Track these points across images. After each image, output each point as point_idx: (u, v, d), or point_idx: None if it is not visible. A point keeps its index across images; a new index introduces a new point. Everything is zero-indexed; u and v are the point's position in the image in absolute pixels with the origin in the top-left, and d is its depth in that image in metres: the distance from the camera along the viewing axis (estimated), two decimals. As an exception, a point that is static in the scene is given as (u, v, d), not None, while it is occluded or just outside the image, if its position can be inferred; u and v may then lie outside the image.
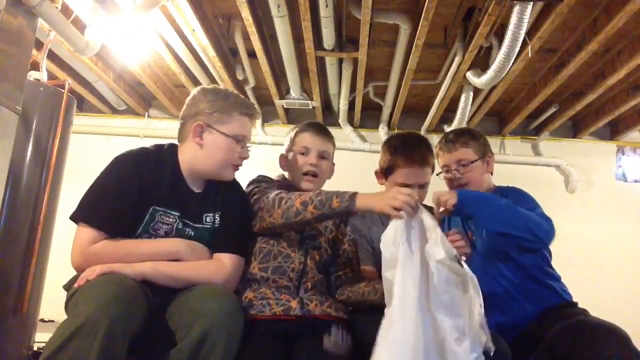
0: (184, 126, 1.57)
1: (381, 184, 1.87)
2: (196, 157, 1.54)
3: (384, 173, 1.85)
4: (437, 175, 1.94)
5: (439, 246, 1.28)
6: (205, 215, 1.55)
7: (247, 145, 1.61)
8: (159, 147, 1.59)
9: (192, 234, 1.52)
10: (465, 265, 1.30)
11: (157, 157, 1.54)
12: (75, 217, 1.43)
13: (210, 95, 1.56)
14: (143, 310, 1.26)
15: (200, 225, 1.54)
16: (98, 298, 1.17)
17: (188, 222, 1.52)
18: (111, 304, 1.15)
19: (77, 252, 1.40)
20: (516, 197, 1.78)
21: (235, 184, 1.65)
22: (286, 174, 1.84)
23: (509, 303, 1.75)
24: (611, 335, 1.39)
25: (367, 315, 1.40)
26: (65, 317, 1.22)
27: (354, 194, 1.41)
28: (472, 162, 1.86)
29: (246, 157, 1.60)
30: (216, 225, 1.56)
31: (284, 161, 1.83)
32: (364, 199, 1.40)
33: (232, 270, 1.49)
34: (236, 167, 1.60)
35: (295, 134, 1.81)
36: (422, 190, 1.79)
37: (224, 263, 1.49)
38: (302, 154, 1.76)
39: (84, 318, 1.12)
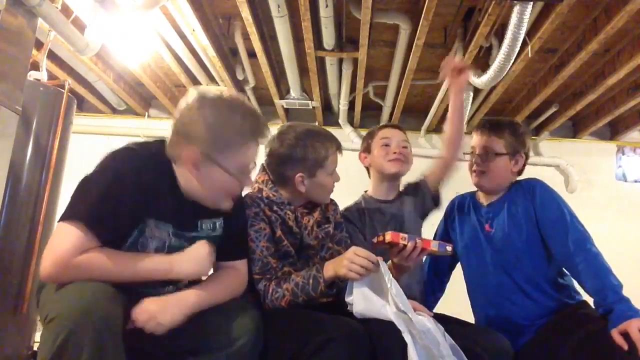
0: (175, 144, 1.27)
1: (366, 165, 1.94)
2: (192, 187, 1.29)
3: (366, 150, 1.93)
4: (464, 154, 1.89)
5: (392, 301, 1.33)
6: (201, 221, 1.36)
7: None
8: (155, 154, 1.31)
9: (187, 245, 1.31)
10: (414, 318, 1.31)
11: (155, 166, 1.29)
12: (65, 216, 1.17)
13: (210, 115, 1.24)
14: (123, 306, 1.14)
15: (196, 234, 1.35)
16: (74, 308, 1.04)
17: (182, 233, 1.33)
18: (91, 311, 1.04)
19: (56, 257, 1.13)
20: (551, 209, 1.70)
21: None
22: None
23: (522, 298, 1.70)
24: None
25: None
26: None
27: (320, 273, 1.42)
28: (496, 155, 1.77)
29: (249, 185, 1.39)
30: (217, 233, 1.40)
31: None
32: (328, 270, 1.42)
33: (245, 274, 1.45)
34: (237, 196, 1.38)
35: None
36: (406, 149, 1.87)
37: (239, 270, 1.43)
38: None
39: (66, 333, 1.02)
